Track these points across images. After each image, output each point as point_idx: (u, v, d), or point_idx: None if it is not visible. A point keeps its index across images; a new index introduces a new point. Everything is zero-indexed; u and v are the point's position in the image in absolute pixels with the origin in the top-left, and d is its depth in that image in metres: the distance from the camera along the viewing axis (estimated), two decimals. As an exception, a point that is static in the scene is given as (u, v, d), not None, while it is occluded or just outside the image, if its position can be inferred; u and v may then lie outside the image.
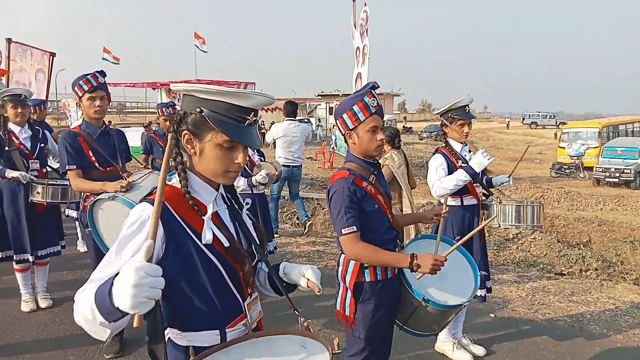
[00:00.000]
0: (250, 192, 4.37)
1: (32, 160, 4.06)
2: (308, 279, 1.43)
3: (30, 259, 4.08)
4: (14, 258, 4.09)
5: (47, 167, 4.31)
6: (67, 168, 3.21)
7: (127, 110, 52.29)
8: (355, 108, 2.17)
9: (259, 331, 1.43)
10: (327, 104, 32.33)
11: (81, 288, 1.20)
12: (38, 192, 3.90)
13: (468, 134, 3.32)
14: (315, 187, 12.30)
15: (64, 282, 4.91)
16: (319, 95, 42.52)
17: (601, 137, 22.56)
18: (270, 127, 7.46)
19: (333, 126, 23.57)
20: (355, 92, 2.25)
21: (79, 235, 6.11)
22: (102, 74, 3.24)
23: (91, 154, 3.26)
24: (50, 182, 3.91)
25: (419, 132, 36.69)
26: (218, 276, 1.34)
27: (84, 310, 1.10)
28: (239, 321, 1.40)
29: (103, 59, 24.10)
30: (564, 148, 22.76)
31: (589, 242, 9.90)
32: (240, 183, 4.31)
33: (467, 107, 3.30)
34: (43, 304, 4.28)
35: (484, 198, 3.43)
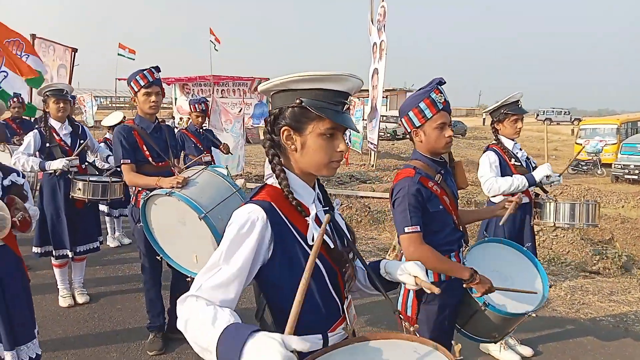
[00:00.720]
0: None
1: (73, 157, 4.05)
2: (416, 277, 1.38)
3: (70, 254, 4.09)
4: (53, 254, 4.10)
5: (86, 163, 4.30)
6: (121, 162, 3.21)
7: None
8: (422, 105, 2.12)
9: (357, 336, 1.39)
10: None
11: (187, 295, 1.17)
12: (79, 189, 3.90)
13: (521, 129, 3.25)
14: (331, 183, 12.24)
15: (98, 278, 4.92)
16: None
17: (619, 133, 22.23)
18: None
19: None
20: (421, 89, 2.20)
21: (109, 230, 6.12)
22: (157, 69, 3.25)
23: (145, 149, 3.27)
24: (92, 179, 3.91)
25: (432, 128, 36.36)
26: (321, 279, 1.31)
27: (200, 337, 1.07)
28: (338, 325, 1.36)
29: (119, 54, 24.14)
30: (581, 144, 22.50)
31: (611, 240, 9.74)
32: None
33: (519, 102, 3.23)
34: (80, 299, 4.29)
35: (536, 196, 3.36)
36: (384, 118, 26.91)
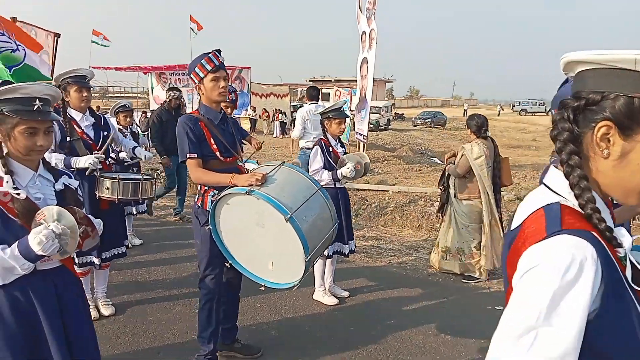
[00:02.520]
0: (334, 186, 3.97)
1: (96, 152, 3.58)
2: None
3: (96, 261, 3.63)
4: (76, 261, 3.62)
5: (111, 159, 3.83)
6: (187, 157, 2.82)
7: (109, 95, 50.68)
8: None
9: None
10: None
11: None
12: (107, 188, 3.44)
13: None
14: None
15: (117, 285, 4.44)
16: (310, 81, 41.89)
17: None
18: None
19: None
20: None
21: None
22: (220, 52, 2.83)
23: (212, 142, 2.87)
24: (122, 177, 3.45)
25: (413, 119, 36.44)
26: None
27: None
28: None
29: (92, 41, 23.03)
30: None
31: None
32: (324, 177, 3.91)
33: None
34: (106, 311, 3.83)
35: None
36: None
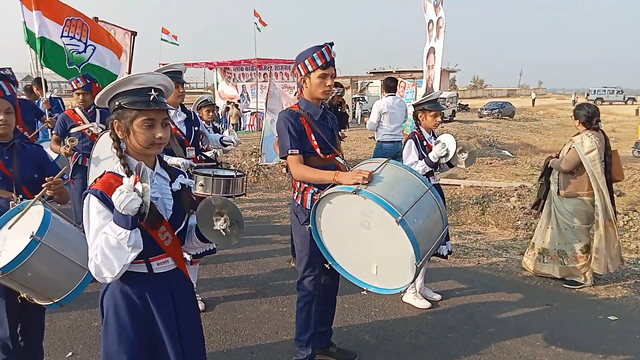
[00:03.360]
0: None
1: (189, 148, 3.56)
2: None
3: (188, 257, 3.61)
4: (188, 259, 3.63)
5: (202, 155, 3.81)
6: (289, 152, 2.71)
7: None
8: None
9: None
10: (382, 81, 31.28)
11: None
12: (201, 185, 3.40)
13: None
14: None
15: (203, 280, 4.45)
16: (371, 72, 41.24)
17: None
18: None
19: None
20: None
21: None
22: (332, 45, 2.70)
23: (313, 138, 2.76)
24: (216, 174, 3.40)
25: (479, 110, 34.99)
26: None
27: None
28: None
29: (162, 39, 23.85)
30: (646, 125, 21.03)
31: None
32: (418, 168, 3.63)
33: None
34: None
35: None
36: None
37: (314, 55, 2.64)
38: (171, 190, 1.90)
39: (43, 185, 2.24)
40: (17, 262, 2.07)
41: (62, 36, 6.27)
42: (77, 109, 4.50)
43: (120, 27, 10.28)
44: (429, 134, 3.89)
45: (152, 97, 1.72)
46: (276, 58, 23.94)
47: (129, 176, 1.70)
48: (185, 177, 1.98)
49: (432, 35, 16.55)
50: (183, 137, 3.56)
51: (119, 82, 1.72)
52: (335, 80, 2.93)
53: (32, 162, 2.51)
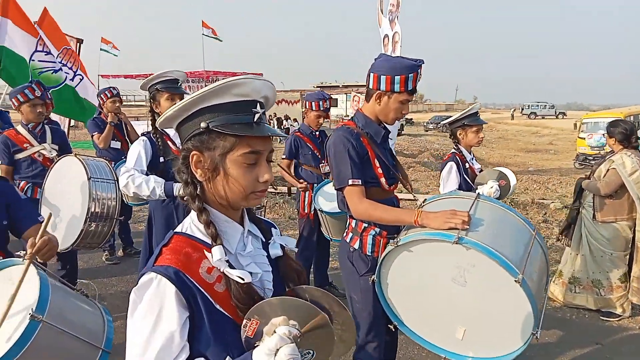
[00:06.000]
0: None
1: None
2: None
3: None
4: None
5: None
6: (349, 183, 2.07)
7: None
8: None
9: None
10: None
11: None
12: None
13: None
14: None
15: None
16: (317, 86, 41.10)
17: (623, 126, 21.90)
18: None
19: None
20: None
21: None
22: (423, 63, 2.11)
23: (377, 165, 2.12)
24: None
25: (424, 124, 35.74)
26: None
27: None
28: None
29: (101, 49, 22.23)
30: (584, 139, 22.09)
31: None
32: (485, 190, 3.08)
33: None
34: None
35: None
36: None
37: (409, 75, 2.06)
38: (268, 256, 1.19)
39: (28, 251, 1.46)
40: (15, 353, 1.33)
41: (36, 51, 5.37)
42: (20, 128, 3.57)
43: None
44: (470, 154, 3.38)
45: (257, 115, 1.03)
46: (224, 70, 23.10)
47: (215, 242, 1.01)
48: (276, 229, 1.27)
49: (389, 50, 16.49)
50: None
51: (211, 91, 1.02)
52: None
53: None
